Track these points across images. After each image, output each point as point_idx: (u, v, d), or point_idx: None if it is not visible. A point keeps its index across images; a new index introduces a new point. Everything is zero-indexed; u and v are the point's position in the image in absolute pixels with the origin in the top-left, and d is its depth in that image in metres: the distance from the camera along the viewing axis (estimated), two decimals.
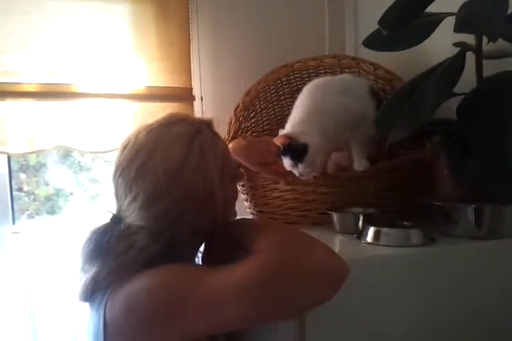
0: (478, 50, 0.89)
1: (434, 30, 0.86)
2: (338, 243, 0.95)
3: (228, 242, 0.84)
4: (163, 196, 0.77)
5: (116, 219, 0.83)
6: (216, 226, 0.86)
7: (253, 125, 1.36)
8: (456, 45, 0.89)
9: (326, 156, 1.12)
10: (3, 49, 1.16)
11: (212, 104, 1.38)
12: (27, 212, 1.52)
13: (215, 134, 0.87)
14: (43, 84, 1.20)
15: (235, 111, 1.31)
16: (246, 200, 1.25)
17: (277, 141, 0.99)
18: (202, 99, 1.38)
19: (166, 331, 0.68)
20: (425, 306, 0.85)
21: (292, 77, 1.36)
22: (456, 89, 0.92)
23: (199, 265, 0.79)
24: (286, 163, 1.01)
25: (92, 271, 0.78)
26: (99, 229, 0.83)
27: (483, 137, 0.82)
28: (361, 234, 0.92)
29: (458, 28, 0.76)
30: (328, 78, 1.18)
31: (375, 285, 0.82)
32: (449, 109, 0.94)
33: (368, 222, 0.96)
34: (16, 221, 1.32)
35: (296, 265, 0.66)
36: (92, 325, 0.77)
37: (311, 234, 0.96)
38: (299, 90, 1.16)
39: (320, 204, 1.10)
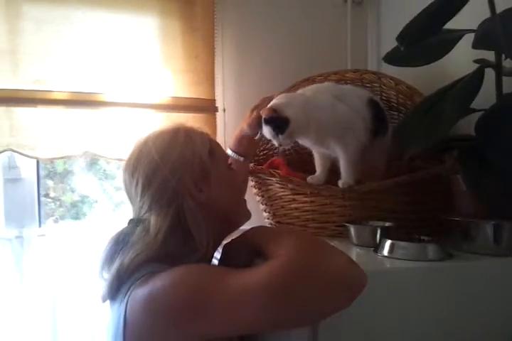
0: (497, 67, 0.90)
1: (453, 47, 0.87)
2: (354, 255, 0.96)
3: (245, 249, 0.86)
4: (158, 168, 0.85)
5: (133, 222, 0.87)
6: (226, 219, 0.89)
7: None
8: (476, 61, 0.90)
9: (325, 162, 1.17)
10: (34, 58, 1.21)
11: (234, 115, 1.41)
12: (52, 218, 1.57)
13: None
14: (72, 92, 1.24)
15: None
16: (264, 211, 1.26)
17: (263, 112, 1.06)
18: (224, 110, 1.41)
19: (185, 330, 0.70)
20: (439, 321, 0.84)
21: None
22: (475, 106, 0.93)
23: (223, 267, 0.80)
24: (267, 132, 1.07)
25: (114, 267, 0.81)
26: (117, 233, 0.87)
27: (501, 153, 0.83)
28: (378, 247, 0.92)
29: (476, 45, 0.77)
30: (331, 83, 1.23)
31: (389, 298, 0.82)
32: (470, 125, 0.94)
33: (385, 235, 0.96)
34: (42, 224, 1.36)
35: (315, 270, 0.67)
36: (112, 323, 0.78)
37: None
38: None
39: (338, 217, 1.11)
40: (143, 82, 1.31)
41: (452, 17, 0.82)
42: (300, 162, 1.29)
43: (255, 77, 1.45)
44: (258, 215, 1.27)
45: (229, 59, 1.43)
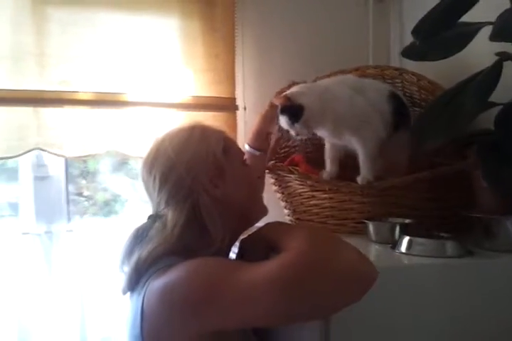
0: None
1: (470, 40, 0.85)
2: (371, 251, 0.96)
3: (260, 244, 0.87)
4: (174, 166, 0.87)
5: (152, 217, 0.89)
6: (242, 214, 0.90)
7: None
8: (497, 54, 0.88)
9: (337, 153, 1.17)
10: (60, 60, 1.25)
11: (255, 113, 1.41)
12: (85, 216, 1.62)
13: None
14: (96, 93, 1.28)
15: None
16: (285, 207, 1.27)
17: (277, 100, 1.07)
18: (245, 108, 1.42)
19: (199, 322, 0.71)
20: (455, 318, 0.83)
21: None
22: (496, 99, 0.91)
23: (237, 260, 0.82)
24: (284, 122, 1.08)
25: (133, 260, 0.83)
26: (136, 228, 0.90)
27: None
28: (396, 244, 0.92)
29: (493, 37, 0.75)
30: (351, 75, 1.23)
31: (405, 294, 0.81)
32: (491, 119, 0.92)
33: (404, 232, 0.95)
34: (71, 220, 1.40)
35: (326, 264, 0.67)
36: (130, 315, 0.81)
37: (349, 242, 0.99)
38: None
39: (357, 214, 1.10)
40: (164, 81, 1.33)
41: (467, 10, 0.80)
42: (320, 159, 1.28)
43: (275, 75, 1.45)
44: (279, 212, 1.28)
45: (249, 57, 1.44)
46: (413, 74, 1.27)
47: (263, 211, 0.97)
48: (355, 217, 1.10)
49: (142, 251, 0.83)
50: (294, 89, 1.10)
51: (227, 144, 0.94)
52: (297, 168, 1.18)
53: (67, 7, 1.27)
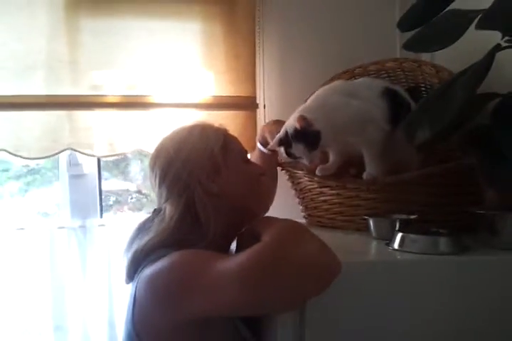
0: None
1: (467, 29, 0.82)
2: (367, 247, 0.95)
3: (251, 239, 0.89)
4: (172, 161, 0.92)
5: (156, 211, 0.95)
6: (240, 209, 0.93)
7: None
8: (507, 41, 0.83)
9: (343, 159, 1.12)
10: (92, 66, 1.35)
11: (275, 111, 1.44)
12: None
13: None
14: (123, 96, 1.36)
15: None
16: (299, 203, 1.28)
17: (297, 121, 1.00)
18: (265, 106, 1.45)
19: (178, 308, 0.75)
20: (447, 315, 0.81)
21: None
22: (500, 90, 0.86)
23: (218, 253, 0.85)
24: (298, 149, 1.02)
25: (131, 251, 0.89)
26: (142, 221, 0.96)
27: None
28: (391, 240, 0.90)
29: (478, 25, 0.72)
30: (341, 81, 1.20)
31: (393, 291, 0.80)
32: None
33: (404, 228, 0.93)
34: (104, 215, 1.51)
35: (287, 256, 0.69)
36: (127, 302, 0.87)
37: (346, 239, 0.99)
38: None
39: (365, 210, 1.08)
40: (187, 83, 1.39)
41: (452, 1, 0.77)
42: None
43: (295, 72, 1.46)
44: (295, 208, 1.30)
45: (269, 56, 1.46)
46: (433, 66, 1.23)
47: (262, 207, 0.99)
48: (363, 214, 1.09)
49: (140, 243, 0.89)
50: (304, 112, 1.05)
51: (227, 141, 0.97)
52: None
53: (97, 17, 1.37)
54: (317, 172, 1.08)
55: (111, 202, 1.78)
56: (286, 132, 1.04)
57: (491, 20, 0.72)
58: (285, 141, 1.04)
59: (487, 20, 0.72)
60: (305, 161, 1.05)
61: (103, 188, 1.63)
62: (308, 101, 1.11)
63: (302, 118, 1.01)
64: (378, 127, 1.05)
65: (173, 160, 0.93)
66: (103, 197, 1.66)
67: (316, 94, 1.12)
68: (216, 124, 1.02)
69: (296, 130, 1.02)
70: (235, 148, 0.99)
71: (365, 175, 1.06)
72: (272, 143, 1.08)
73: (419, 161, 1.09)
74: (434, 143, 0.90)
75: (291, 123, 1.04)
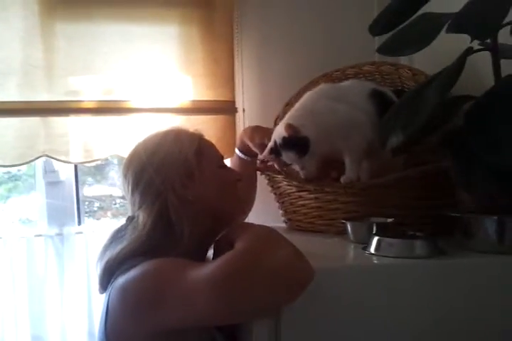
0: (494, 50, 0.83)
1: (439, 32, 0.82)
2: (343, 251, 0.94)
3: (228, 245, 0.88)
4: (145, 167, 0.90)
5: (130, 218, 0.93)
6: (216, 216, 0.92)
7: None
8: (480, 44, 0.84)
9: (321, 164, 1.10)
10: (67, 72, 1.32)
11: (254, 115, 1.43)
12: (94, 218, 1.71)
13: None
14: (100, 101, 1.34)
15: (275, 121, 1.34)
16: (279, 208, 1.27)
17: (286, 129, 1.00)
18: (244, 111, 1.44)
19: (149, 319, 0.74)
20: (423, 319, 0.80)
21: None
22: (475, 93, 0.87)
23: (191, 261, 0.84)
24: (289, 157, 1.03)
25: (105, 259, 0.88)
26: (115, 229, 0.94)
27: (491, 145, 0.76)
28: (367, 244, 0.90)
29: (448, 29, 0.72)
30: (327, 84, 1.18)
31: (369, 295, 0.79)
32: None
33: (381, 232, 0.93)
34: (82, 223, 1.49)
35: (258, 264, 0.68)
36: (100, 312, 0.85)
37: (324, 243, 0.98)
38: None
39: (344, 214, 1.08)
40: (164, 88, 1.38)
41: (423, 5, 0.77)
42: None
43: (274, 76, 1.46)
44: (276, 212, 1.29)
45: (248, 60, 1.46)
46: (409, 69, 1.24)
47: (238, 213, 0.98)
48: (341, 217, 1.08)
49: (113, 252, 0.88)
50: (291, 120, 1.05)
51: (202, 147, 0.96)
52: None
53: (73, 22, 1.35)
54: (342, 182, 1.06)
55: (95, 208, 1.75)
56: (275, 141, 1.04)
57: (460, 23, 0.72)
58: (275, 150, 1.05)
59: (457, 24, 0.72)
60: (297, 168, 1.07)
61: (86, 194, 1.61)
62: (295, 107, 1.10)
63: (289, 126, 1.01)
64: (362, 134, 1.04)
65: (146, 166, 0.91)
66: (86, 203, 1.64)
67: (302, 99, 1.12)
68: (191, 129, 1.00)
69: (284, 138, 1.02)
70: (209, 153, 0.97)
71: (342, 179, 1.05)
72: (264, 153, 1.08)
73: (401, 164, 1.09)
74: (408, 147, 0.89)
75: (278, 131, 1.05)
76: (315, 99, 1.09)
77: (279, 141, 1.04)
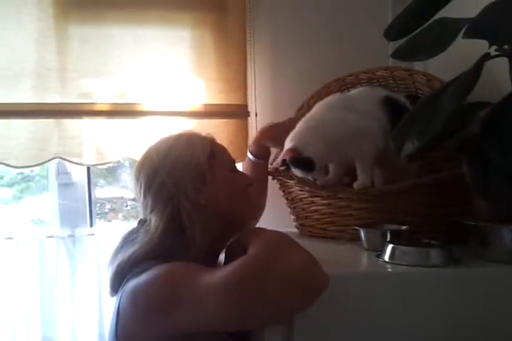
0: (511, 55, 0.82)
1: (456, 37, 0.81)
2: (357, 259, 0.93)
3: (240, 250, 0.87)
4: (158, 171, 0.90)
5: (141, 222, 0.93)
6: (227, 220, 0.92)
7: None
8: (497, 50, 0.83)
9: (344, 170, 1.12)
10: (80, 74, 1.33)
11: (266, 119, 1.42)
12: (106, 220, 1.72)
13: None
14: (113, 103, 1.35)
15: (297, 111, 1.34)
16: (290, 213, 1.26)
17: (285, 155, 1.04)
18: (256, 115, 1.44)
19: (160, 323, 0.73)
20: (437, 328, 0.79)
21: (345, 90, 1.35)
22: (492, 99, 0.85)
23: (203, 266, 0.84)
24: (298, 172, 1.08)
25: (116, 262, 0.87)
26: (127, 232, 0.94)
27: (508, 152, 0.75)
28: (381, 252, 0.89)
29: (465, 34, 0.71)
30: (338, 94, 1.18)
31: (383, 303, 0.79)
32: None
33: (395, 239, 0.92)
34: (93, 225, 1.50)
35: (270, 269, 0.67)
36: (111, 315, 0.85)
37: (337, 250, 0.97)
38: None
39: (357, 220, 1.07)
40: (177, 91, 1.38)
41: (439, 10, 0.76)
42: None
43: (287, 80, 1.46)
44: (288, 217, 1.28)
45: (261, 64, 1.46)
46: (424, 74, 1.22)
47: (249, 217, 0.98)
48: (354, 224, 1.07)
49: (124, 255, 0.88)
50: (297, 140, 1.05)
51: (214, 150, 0.96)
52: None
53: (87, 25, 1.36)
54: (355, 188, 1.06)
55: (106, 210, 1.76)
56: (284, 159, 1.07)
57: (477, 29, 0.71)
58: (285, 164, 1.08)
59: (474, 30, 0.71)
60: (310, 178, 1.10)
61: (97, 196, 1.62)
62: (305, 118, 1.10)
63: (290, 150, 1.04)
64: (372, 142, 1.04)
65: (159, 169, 0.91)
66: (98, 204, 1.65)
67: (313, 110, 1.12)
68: (203, 133, 1.00)
69: (289, 160, 1.05)
70: (221, 157, 0.97)
71: (355, 185, 1.05)
72: (275, 165, 1.15)
73: (415, 171, 1.08)
74: (423, 154, 0.88)
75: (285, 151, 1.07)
76: (325, 110, 1.09)
77: (286, 159, 1.06)
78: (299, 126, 1.09)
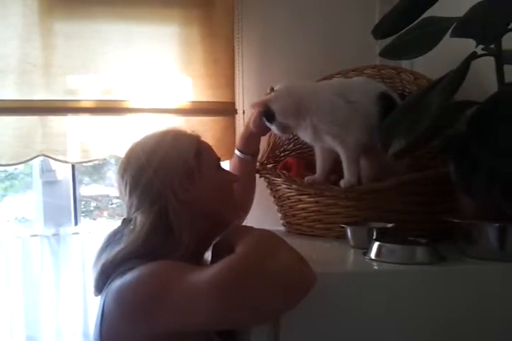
0: (498, 55, 0.82)
1: (443, 36, 0.81)
2: (343, 257, 0.93)
3: (227, 248, 0.87)
4: (144, 169, 0.89)
5: (126, 221, 0.91)
6: (213, 218, 0.91)
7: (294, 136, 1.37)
8: (483, 49, 0.83)
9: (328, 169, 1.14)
10: (66, 71, 1.31)
11: None
12: (91, 218, 1.70)
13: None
14: (98, 100, 1.33)
15: None
16: (278, 211, 1.26)
17: (254, 106, 1.12)
18: (244, 112, 1.43)
19: (147, 322, 0.72)
20: (423, 326, 0.80)
21: None
22: (478, 98, 0.86)
23: (189, 265, 0.83)
24: (265, 123, 1.11)
25: (101, 261, 0.86)
26: (111, 232, 0.93)
27: (493, 151, 0.76)
28: (368, 250, 0.89)
29: (452, 33, 0.71)
30: (341, 79, 1.23)
31: (369, 301, 0.79)
32: None
33: (381, 237, 0.92)
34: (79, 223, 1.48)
35: (257, 267, 0.67)
36: (96, 315, 0.84)
37: (324, 247, 0.97)
38: None
39: (343, 218, 1.08)
40: (164, 88, 1.37)
41: (426, 9, 0.77)
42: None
43: (275, 78, 1.42)
44: (275, 215, 1.28)
45: (248, 61, 1.45)
46: (411, 73, 1.23)
47: (235, 215, 0.97)
48: (341, 222, 1.07)
49: (109, 255, 0.86)
50: (274, 93, 1.10)
51: (200, 148, 0.95)
52: (286, 171, 1.18)
53: (72, 20, 1.33)
54: (342, 186, 1.06)
55: (91, 208, 1.74)
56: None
57: (465, 28, 0.71)
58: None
59: (461, 29, 0.71)
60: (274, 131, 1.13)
61: (82, 193, 1.60)
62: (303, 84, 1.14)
63: (257, 104, 1.10)
64: (355, 135, 1.04)
65: (145, 167, 0.90)
66: (83, 202, 1.63)
67: (314, 83, 1.17)
68: (188, 131, 0.99)
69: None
70: (207, 155, 0.97)
71: (342, 183, 1.05)
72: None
73: (402, 168, 1.08)
74: (410, 152, 0.89)
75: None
76: (322, 88, 1.11)
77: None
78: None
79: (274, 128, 1.09)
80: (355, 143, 1.04)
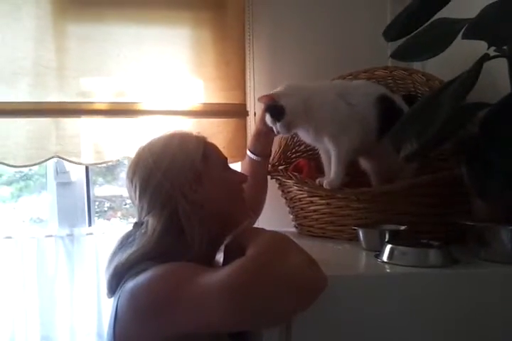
0: (510, 56, 0.82)
1: (455, 38, 0.81)
2: (356, 259, 0.93)
3: (239, 250, 0.87)
4: (153, 172, 0.89)
5: (137, 224, 0.92)
6: (223, 219, 0.91)
7: None
8: (496, 51, 0.83)
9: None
10: (79, 73, 1.33)
11: None
12: (105, 219, 1.72)
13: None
14: (111, 103, 1.34)
15: None
16: (289, 213, 1.27)
17: (261, 99, 1.11)
18: (255, 114, 1.43)
19: (159, 324, 0.73)
20: (436, 329, 0.79)
21: None
22: (490, 100, 0.85)
23: (201, 266, 0.82)
24: (268, 119, 1.11)
25: (113, 265, 0.87)
26: (123, 235, 0.94)
27: (506, 153, 0.75)
28: (380, 252, 0.89)
29: (464, 35, 0.71)
30: (340, 80, 1.24)
31: (381, 304, 0.79)
32: None
33: (393, 239, 0.92)
34: (92, 224, 1.49)
35: (269, 270, 0.67)
36: (109, 316, 0.85)
37: (336, 250, 0.97)
38: None
39: (355, 220, 1.08)
40: (176, 90, 1.38)
41: (437, 11, 0.76)
42: None
43: (286, 79, 1.43)
44: (287, 217, 1.28)
45: (260, 63, 1.45)
46: (423, 74, 1.23)
47: (244, 215, 0.97)
48: (352, 224, 1.07)
49: (121, 257, 0.87)
50: (281, 88, 1.11)
51: (207, 150, 0.96)
52: (298, 173, 1.18)
53: (85, 23, 1.35)
54: (324, 186, 1.07)
55: (105, 209, 1.76)
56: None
57: (476, 30, 0.71)
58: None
59: (473, 30, 0.71)
60: (274, 130, 1.12)
61: (96, 194, 1.61)
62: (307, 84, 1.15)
63: (269, 97, 1.09)
64: (351, 138, 1.06)
65: (154, 171, 0.90)
66: (96, 203, 1.65)
67: (316, 83, 1.16)
68: (194, 133, 1.00)
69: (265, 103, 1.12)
70: (214, 156, 0.97)
71: (325, 183, 1.05)
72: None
73: (412, 170, 1.08)
74: (422, 155, 0.88)
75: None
76: (324, 88, 1.12)
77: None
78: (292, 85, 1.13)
79: (278, 126, 1.08)
80: (348, 145, 1.06)
